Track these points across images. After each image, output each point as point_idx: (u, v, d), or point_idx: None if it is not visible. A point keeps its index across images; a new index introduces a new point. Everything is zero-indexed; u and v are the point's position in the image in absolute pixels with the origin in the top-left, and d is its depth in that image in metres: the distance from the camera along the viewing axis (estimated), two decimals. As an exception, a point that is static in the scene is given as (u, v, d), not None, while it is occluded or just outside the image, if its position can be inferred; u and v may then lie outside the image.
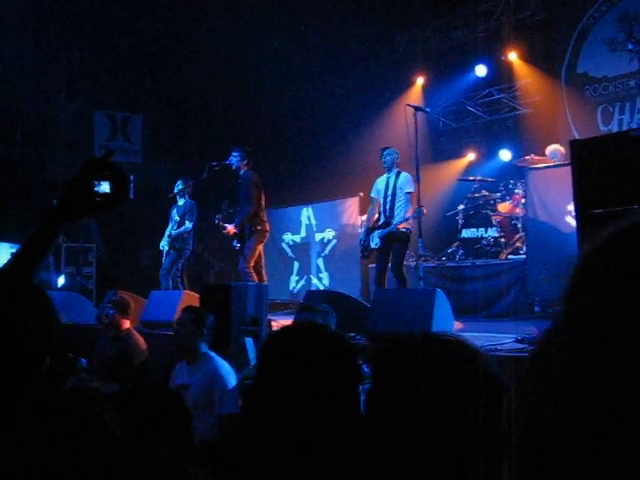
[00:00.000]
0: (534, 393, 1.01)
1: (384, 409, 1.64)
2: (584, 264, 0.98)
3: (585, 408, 0.91)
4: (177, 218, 11.65)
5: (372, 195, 10.55)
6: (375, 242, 9.97)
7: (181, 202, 11.75)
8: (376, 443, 1.63)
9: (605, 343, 0.90)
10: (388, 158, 10.19)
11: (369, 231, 10.23)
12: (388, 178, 10.18)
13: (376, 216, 10.38)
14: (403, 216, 9.81)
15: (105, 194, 2.29)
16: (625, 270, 0.92)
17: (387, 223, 9.89)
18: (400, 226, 9.74)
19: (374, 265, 12.63)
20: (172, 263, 11.61)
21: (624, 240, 0.96)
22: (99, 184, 2.31)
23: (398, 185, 10.03)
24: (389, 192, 10.06)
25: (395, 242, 9.76)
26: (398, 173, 10.15)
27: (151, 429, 2.45)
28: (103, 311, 9.28)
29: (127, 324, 8.30)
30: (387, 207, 10.03)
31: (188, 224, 11.55)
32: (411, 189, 9.92)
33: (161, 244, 11.84)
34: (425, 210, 9.66)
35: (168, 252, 11.68)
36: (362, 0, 15.47)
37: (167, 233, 11.76)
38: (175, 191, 11.76)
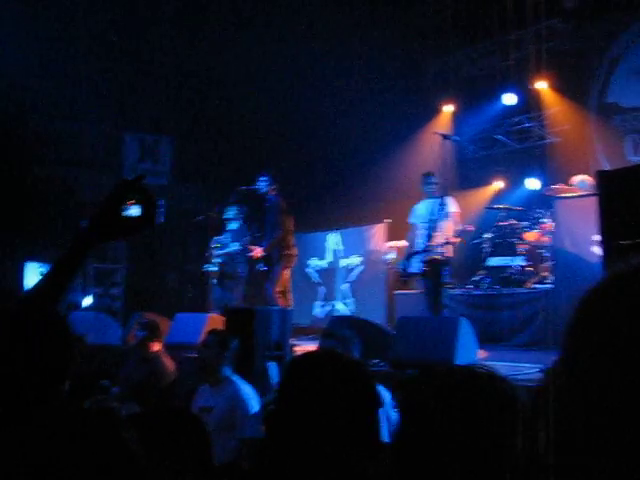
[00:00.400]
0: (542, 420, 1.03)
1: (412, 441, 1.65)
2: (584, 303, 1.01)
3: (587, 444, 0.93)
4: (227, 241, 11.69)
5: (411, 221, 10.43)
6: (417, 267, 9.82)
7: (233, 226, 11.77)
8: (403, 474, 1.64)
9: (601, 376, 0.93)
10: (430, 184, 10.06)
11: (409, 257, 10.13)
12: (430, 203, 9.99)
13: (415, 241, 10.28)
14: (447, 239, 9.74)
15: (134, 217, 2.31)
16: (620, 310, 0.94)
17: (428, 248, 9.66)
18: (444, 249, 9.64)
19: (401, 292, 12.66)
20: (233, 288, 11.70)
21: (620, 282, 0.98)
22: (129, 207, 2.33)
23: (443, 210, 9.82)
24: (432, 217, 9.80)
25: (437, 266, 9.58)
26: (440, 198, 9.92)
27: (170, 451, 2.46)
28: (131, 332, 9.35)
29: (156, 346, 8.31)
30: (429, 232, 9.77)
31: (237, 246, 11.53)
32: (456, 209, 9.94)
33: (206, 266, 11.93)
34: (470, 227, 9.67)
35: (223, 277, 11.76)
36: (392, 27, 15.54)
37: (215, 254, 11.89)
38: (227, 216, 11.81)
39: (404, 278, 10.43)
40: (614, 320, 0.95)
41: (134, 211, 2.33)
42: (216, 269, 11.95)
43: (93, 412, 1.62)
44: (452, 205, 9.93)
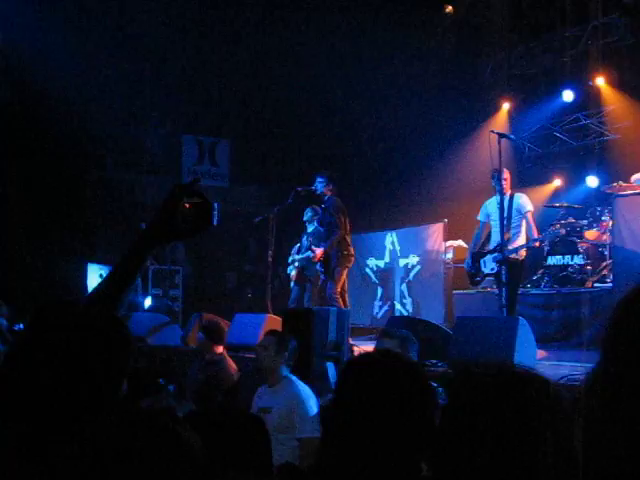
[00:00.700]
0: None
1: (453, 440, 1.67)
2: (624, 304, 1.02)
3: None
4: (307, 244, 11.77)
5: (480, 219, 10.22)
6: (491, 267, 9.63)
7: (310, 229, 11.86)
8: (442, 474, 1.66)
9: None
10: (500, 181, 9.63)
11: (476, 256, 9.99)
12: (501, 200, 9.58)
13: (482, 241, 10.17)
14: (527, 238, 9.61)
15: (191, 220, 2.36)
16: None
17: (502, 246, 9.28)
18: (519, 250, 9.53)
19: (459, 291, 12.60)
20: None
21: None
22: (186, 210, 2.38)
23: (514, 207, 9.72)
24: (505, 215, 9.48)
25: (513, 267, 9.31)
26: (512, 194, 9.82)
27: (230, 451, 2.50)
28: (190, 333, 9.44)
29: (220, 349, 8.34)
30: (501, 230, 9.36)
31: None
32: (531, 208, 9.77)
33: (289, 269, 12.10)
34: (537, 244, 9.72)
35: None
36: (450, 24, 15.50)
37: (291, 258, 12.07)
38: (305, 219, 11.92)
39: (477, 279, 10.13)
40: None
41: (191, 213, 2.37)
42: (293, 272, 12.08)
43: (152, 412, 1.65)
44: (526, 203, 9.77)
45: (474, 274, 10.07)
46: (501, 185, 9.59)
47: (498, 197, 9.69)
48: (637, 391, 0.95)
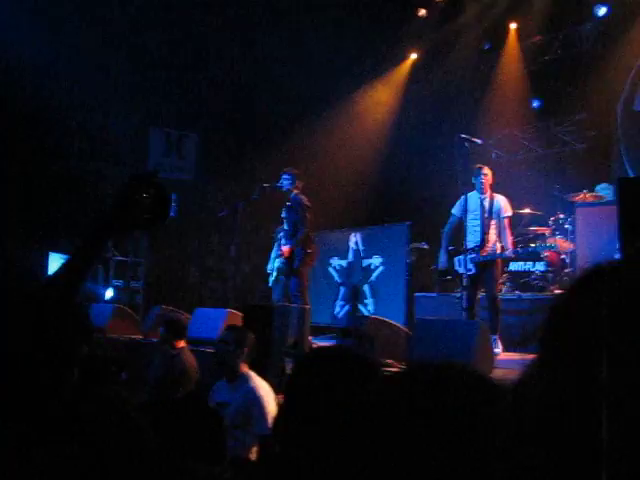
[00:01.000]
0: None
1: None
2: (552, 305, 1.05)
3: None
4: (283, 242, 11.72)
5: (455, 213, 9.77)
6: (468, 267, 9.17)
7: (287, 226, 11.80)
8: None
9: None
10: (481, 178, 9.48)
11: (451, 254, 9.66)
12: (481, 199, 9.47)
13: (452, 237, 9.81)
14: (507, 243, 9.28)
15: (147, 211, 2.33)
16: (581, 309, 0.99)
17: (481, 247, 9.16)
18: (498, 257, 9.32)
19: (421, 294, 12.63)
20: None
21: (583, 284, 1.03)
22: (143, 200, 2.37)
23: (495, 209, 9.42)
24: (485, 214, 9.34)
25: (493, 269, 9.23)
26: (492, 196, 9.51)
27: (185, 440, 2.50)
28: (151, 326, 9.39)
29: (181, 343, 8.29)
30: (481, 230, 9.31)
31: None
32: (510, 213, 9.50)
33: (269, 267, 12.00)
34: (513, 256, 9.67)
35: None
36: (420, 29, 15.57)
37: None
38: (282, 216, 11.86)
39: (448, 277, 9.87)
40: (580, 317, 0.99)
41: (148, 204, 2.36)
42: (272, 268, 12.02)
43: (104, 396, 1.64)
44: (507, 208, 9.49)
45: (445, 272, 9.82)
46: (480, 182, 9.46)
47: (478, 194, 9.54)
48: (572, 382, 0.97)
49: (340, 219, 15.35)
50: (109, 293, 15.21)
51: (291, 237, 10.69)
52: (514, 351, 9.98)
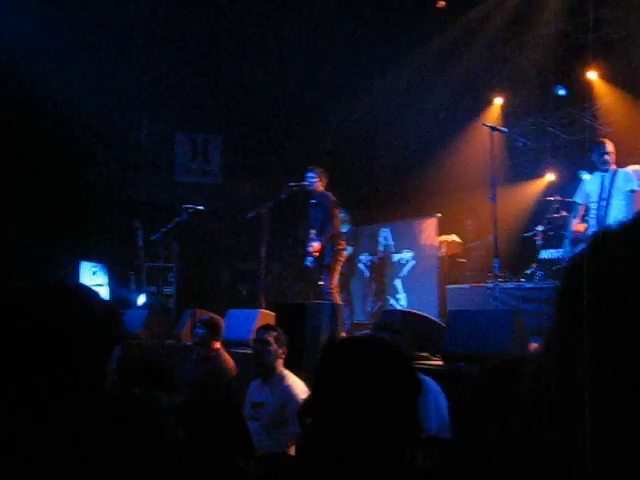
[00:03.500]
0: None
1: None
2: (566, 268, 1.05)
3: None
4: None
5: (577, 200, 9.33)
6: None
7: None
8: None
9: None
10: (603, 155, 8.83)
11: (574, 243, 9.12)
12: (603, 177, 8.89)
13: (578, 225, 9.17)
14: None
15: None
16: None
17: None
18: None
19: (453, 286, 12.56)
20: None
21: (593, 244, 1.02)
22: None
23: (615, 185, 8.73)
24: (604, 194, 8.72)
25: None
26: (615, 171, 8.85)
27: (211, 436, 2.49)
28: (184, 330, 9.39)
29: (217, 344, 8.31)
30: (602, 213, 8.70)
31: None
32: (636, 186, 8.56)
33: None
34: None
35: None
36: (440, 19, 15.48)
37: None
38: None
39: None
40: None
41: None
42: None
43: (135, 397, 1.64)
44: (630, 181, 8.58)
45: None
46: (604, 159, 8.86)
47: (599, 173, 8.98)
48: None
49: (369, 215, 15.31)
50: (142, 299, 15.27)
51: (320, 234, 10.67)
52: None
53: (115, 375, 1.84)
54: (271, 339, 6.50)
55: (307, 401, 2.09)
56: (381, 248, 14.86)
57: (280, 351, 6.49)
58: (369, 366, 1.98)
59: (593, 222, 8.92)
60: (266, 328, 6.86)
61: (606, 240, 1.02)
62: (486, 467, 1.51)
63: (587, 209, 9.23)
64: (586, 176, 12.85)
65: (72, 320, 1.76)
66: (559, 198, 12.84)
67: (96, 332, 1.79)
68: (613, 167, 8.94)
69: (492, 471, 1.45)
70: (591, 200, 8.98)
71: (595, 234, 1.04)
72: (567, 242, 9.52)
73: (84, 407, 1.61)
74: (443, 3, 15.46)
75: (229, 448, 2.52)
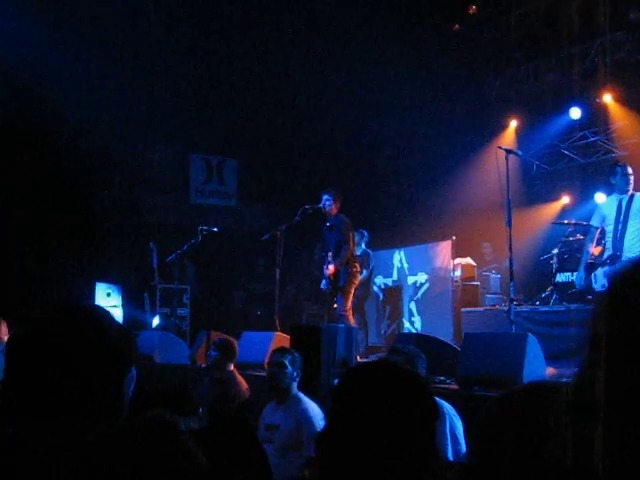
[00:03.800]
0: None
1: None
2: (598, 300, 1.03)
3: None
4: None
5: (593, 224, 9.11)
6: (601, 283, 8.34)
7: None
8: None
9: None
10: (620, 176, 8.56)
11: (589, 268, 8.86)
12: (620, 200, 8.61)
13: (594, 248, 9.08)
14: None
15: None
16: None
17: (615, 257, 8.18)
18: None
19: (468, 309, 12.52)
20: None
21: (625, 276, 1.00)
22: None
23: (633, 208, 8.46)
24: (621, 218, 8.44)
25: None
26: (632, 194, 8.58)
27: (229, 463, 2.48)
28: (199, 351, 9.38)
29: (231, 367, 8.30)
30: (617, 236, 8.46)
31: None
32: None
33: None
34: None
35: None
36: (458, 42, 15.53)
37: None
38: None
39: (587, 296, 9.03)
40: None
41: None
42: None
43: (157, 421, 1.64)
44: None
45: (585, 291, 9.00)
46: (627, 181, 8.54)
47: (617, 195, 8.73)
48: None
49: (383, 238, 15.30)
50: (156, 321, 15.27)
51: (335, 257, 10.67)
52: (563, 363, 9.85)
53: (134, 397, 1.85)
54: (286, 362, 6.49)
55: (325, 427, 2.08)
56: (395, 271, 14.84)
57: (295, 374, 6.48)
58: (385, 391, 1.97)
59: (609, 245, 8.83)
60: (282, 351, 6.85)
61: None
62: None
63: (603, 232, 9.14)
64: (600, 199, 12.83)
65: (86, 342, 1.77)
66: (574, 221, 12.80)
67: (110, 353, 1.79)
68: (630, 191, 8.78)
69: None
70: (607, 223, 8.84)
71: (627, 265, 1.02)
72: (582, 266, 9.28)
73: (101, 429, 1.61)
74: (474, 8, 15.50)
75: (248, 472, 2.51)
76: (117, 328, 1.87)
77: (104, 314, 1.90)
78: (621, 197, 8.75)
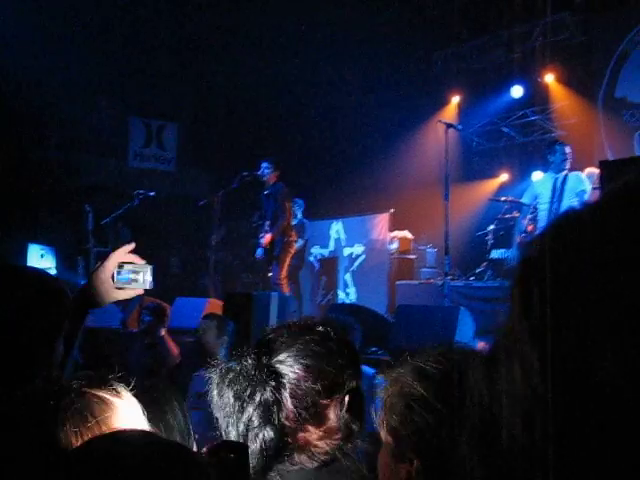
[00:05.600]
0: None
1: None
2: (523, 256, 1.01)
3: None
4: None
5: (525, 201, 9.40)
6: None
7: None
8: None
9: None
10: (558, 155, 8.80)
11: (521, 243, 9.07)
12: (555, 179, 8.84)
13: (528, 225, 9.20)
14: None
15: (126, 284, 2.49)
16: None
17: None
18: None
19: (402, 282, 12.58)
20: None
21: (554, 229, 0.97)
22: (120, 273, 2.54)
23: (567, 187, 8.71)
24: (555, 196, 8.70)
25: None
26: (566, 174, 8.82)
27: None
28: (131, 316, 9.31)
29: (162, 331, 8.25)
30: (552, 215, 8.58)
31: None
32: (588, 187, 8.58)
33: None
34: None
35: None
36: (399, 17, 15.47)
37: None
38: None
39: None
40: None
41: (125, 276, 2.53)
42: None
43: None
44: (582, 183, 8.59)
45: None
46: (565, 160, 8.76)
47: (552, 174, 8.94)
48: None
49: (321, 208, 15.28)
50: (89, 284, 15.07)
51: (272, 226, 10.64)
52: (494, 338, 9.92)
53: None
54: (211, 328, 6.46)
55: None
56: (332, 242, 14.86)
57: (223, 340, 6.43)
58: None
59: (542, 223, 8.99)
60: (208, 317, 6.83)
61: (571, 224, 0.96)
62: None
63: (535, 210, 9.22)
64: (536, 177, 12.98)
65: (21, 298, 1.73)
66: (510, 199, 12.92)
67: (46, 309, 1.76)
68: (565, 171, 8.98)
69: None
70: (541, 202, 9.03)
71: (558, 217, 0.98)
72: (515, 243, 9.37)
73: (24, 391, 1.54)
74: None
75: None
76: (52, 288, 1.84)
77: (39, 272, 1.88)
78: (556, 176, 8.94)
